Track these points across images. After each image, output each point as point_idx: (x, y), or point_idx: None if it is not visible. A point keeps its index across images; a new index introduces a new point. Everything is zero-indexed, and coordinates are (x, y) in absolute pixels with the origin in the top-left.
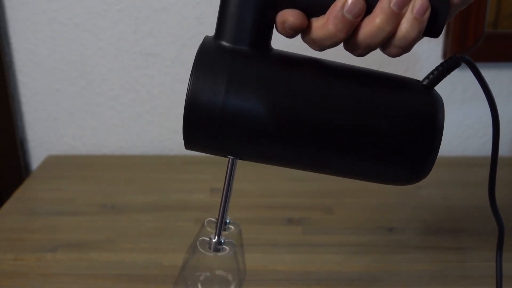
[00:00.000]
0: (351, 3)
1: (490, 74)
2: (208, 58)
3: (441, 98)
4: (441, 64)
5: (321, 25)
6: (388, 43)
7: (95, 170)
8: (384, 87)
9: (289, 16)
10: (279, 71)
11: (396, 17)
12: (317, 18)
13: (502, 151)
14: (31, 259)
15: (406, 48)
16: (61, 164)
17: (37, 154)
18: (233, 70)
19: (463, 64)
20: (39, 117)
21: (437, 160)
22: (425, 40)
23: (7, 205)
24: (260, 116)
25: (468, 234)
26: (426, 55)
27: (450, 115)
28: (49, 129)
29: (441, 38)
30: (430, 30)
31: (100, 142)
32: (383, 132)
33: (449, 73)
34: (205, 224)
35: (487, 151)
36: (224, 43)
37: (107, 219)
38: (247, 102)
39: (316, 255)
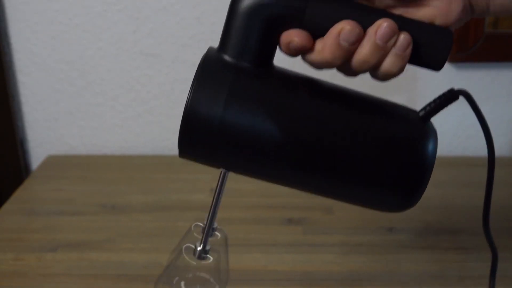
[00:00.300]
0: (348, 31)
1: (490, 74)
2: (210, 71)
3: (435, 131)
4: (439, 97)
5: (318, 51)
6: (373, 72)
7: (95, 170)
8: (380, 115)
9: (294, 36)
10: (278, 92)
11: (381, 50)
12: (320, 40)
13: (502, 151)
14: (31, 259)
15: (389, 79)
16: (61, 164)
17: (37, 154)
18: (234, 87)
19: (463, 63)
20: (39, 117)
21: (437, 160)
22: None
23: (7, 205)
24: (256, 134)
25: (468, 234)
26: None
27: (450, 115)
28: (49, 129)
29: None
30: (431, 63)
31: (100, 142)
32: (374, 160)
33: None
34: (192, 228)
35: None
36: (227, 58)
37: (107, 219)
38: (245, 119)
39: (316, 255)
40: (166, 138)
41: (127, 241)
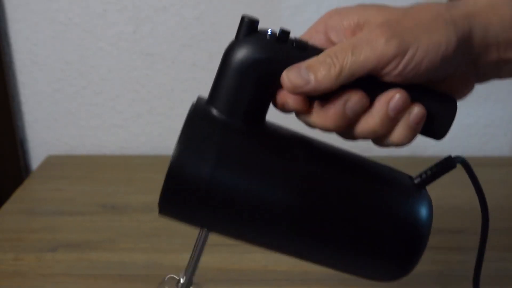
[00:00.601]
0: (355, 101)
1: None
2: (198, 127)
3: (430, 199)
4: (436, 165)
5: (319, 116)
6: (379, 141)
7: (95, 170)
8: (373, 183)
9: (289, 98)
10: (268, 154)
11: (391, 121)
12: (318, 105)
13: (502, 151)
14: (31, 259)
15: (394, 147)
16: (61, 164)
17: (37, 154)
18: (223, 147)
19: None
20: (39, 117)
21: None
22: None
23: (7, 205)
24: (244, 199)
25: (468, 234)
26: None
27: None
28: (49, 129)
29: None
30: (434, 133)
31: (100, 142)
32: (367, 229)
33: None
34: (165, 280)
35: (487, 151)
36: (217, 113)
37: (107, 219)
38: (234, 183)
39: None
40: (166, 138)
41: (127, 241)
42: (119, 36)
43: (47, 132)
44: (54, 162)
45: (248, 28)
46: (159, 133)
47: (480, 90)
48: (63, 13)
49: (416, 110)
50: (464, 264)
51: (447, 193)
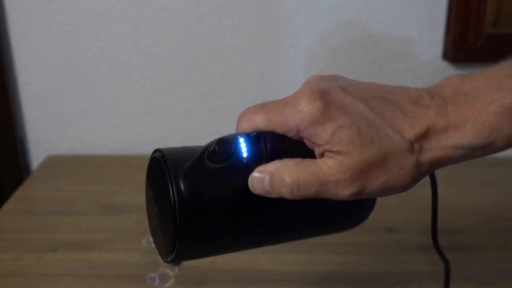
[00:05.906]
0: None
1: None
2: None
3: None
4: None
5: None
6: None
7: (95, 170)
8: None
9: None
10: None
11: None
12: None
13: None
14: (31, 259)
15: None
16: (61, 164)
17: (37, 154)
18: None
19: (463, 63)
20: (39, 117)
21: None
22: (425, 39)
23: (7, 205)
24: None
25: (468, 234)
26: (426, 55)
27: None
28: (49, 129)
29: (441, 37)
30: None
31: (100, 142)
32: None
33: None
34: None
35: None
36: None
37: (107, 219)
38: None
39: (316, 255)
40: (166, 138)
41: (127, 241)
42: (119, 36)
43: (47, 132)
44: (54, 162)
45: (225, 155)
46: (159, 133)
47: None
48: (63, 13)
49: None
50: (464, 264)
51: (446, 193)
